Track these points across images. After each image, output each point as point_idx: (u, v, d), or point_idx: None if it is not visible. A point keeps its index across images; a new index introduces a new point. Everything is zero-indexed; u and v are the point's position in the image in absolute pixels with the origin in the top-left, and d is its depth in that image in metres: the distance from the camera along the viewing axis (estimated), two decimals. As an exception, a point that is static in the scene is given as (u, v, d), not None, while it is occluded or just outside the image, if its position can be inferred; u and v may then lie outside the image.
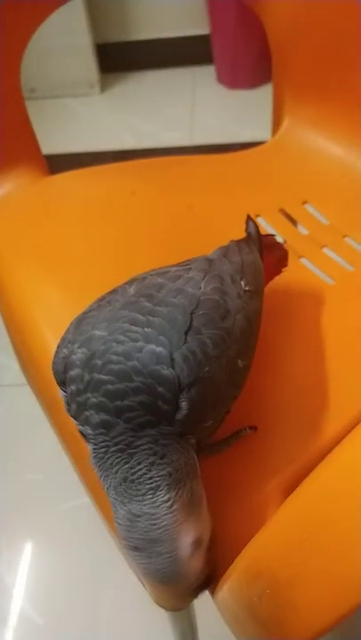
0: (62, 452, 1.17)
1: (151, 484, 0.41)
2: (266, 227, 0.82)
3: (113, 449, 0.42)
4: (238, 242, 0.59)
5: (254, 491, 0.50)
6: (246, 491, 0.50)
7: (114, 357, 0.42)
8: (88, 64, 2.11)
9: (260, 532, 0.37)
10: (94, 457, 0.43)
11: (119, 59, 2.23)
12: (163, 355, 0.42)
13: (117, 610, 0.99)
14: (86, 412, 0.42)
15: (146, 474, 0.41)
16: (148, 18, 2.15)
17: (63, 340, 0.47)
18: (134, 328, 0.43)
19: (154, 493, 0.41)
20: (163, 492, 0.41)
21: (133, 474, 0.41)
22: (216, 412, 0.47)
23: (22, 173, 0.85)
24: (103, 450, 0.42)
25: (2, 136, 0.81)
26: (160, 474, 0.41)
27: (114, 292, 0.50)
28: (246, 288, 0.51)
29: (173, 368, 0.42)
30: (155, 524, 0.41)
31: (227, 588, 0.39)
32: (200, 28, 2.13)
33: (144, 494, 0.41)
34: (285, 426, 0.54)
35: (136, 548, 0.42)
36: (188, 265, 0.52)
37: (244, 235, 0.80)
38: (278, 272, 0.67)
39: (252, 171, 0.91)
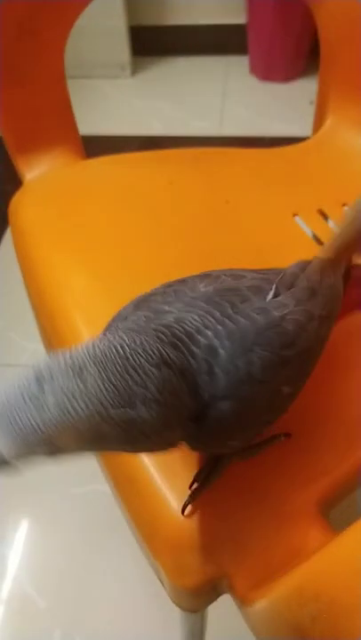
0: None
1: None
2: (303, 226, 0.81)
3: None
4: (323, 261, 0.55)
5: (287, 499, 0.50)
6: (279, 498, 0.50)
7: (175, 325, 0.41)
8: (121, 46, 2.08)
9: (321, 552, 0.36)
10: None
11: (152, 42, 2.19)
12: (219, 354, 0.41)
13: (117, 596, 1.00)
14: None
15: None
16: (185, 3, 2.12)
17: (119, 314, 0.46)
18: (208, 318, 0.43)
19: None
20: None
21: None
22: (245, 435, 0.46)
23: (59, 155, 0.84)
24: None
25: (43, 116, 0.80)
26: None
27: (182, 282, 0.49)
28: (320, 312, 0.49)
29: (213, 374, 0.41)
30: None
31: (269, 602, 0.38)
32: (236, 17, 2.09)
33: None
34: (321, 436, 0.53)
35: None
36: (266, 275, 0.51)
37: (280, 233, 0.79)
38: (359, 308, 0.65)
39: (292, 168, 0.89)
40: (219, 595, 0.52)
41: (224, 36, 2.17)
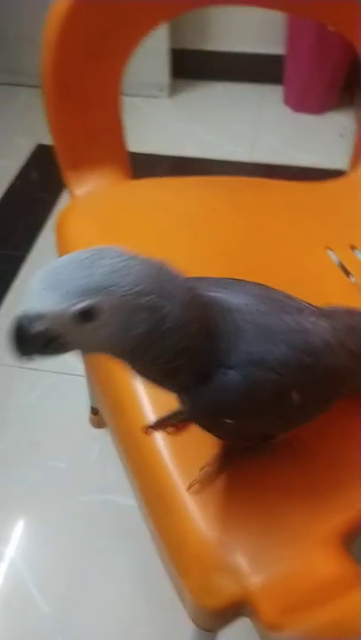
0: (90, 446, 1.19)
1: None
2: (336, 260, 0.83)
3: None
4: None
5: (312, 529, 0.51)
6: (305, 527, 0.51)
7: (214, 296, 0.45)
8: (161, 67, 2.13)
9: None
10: None
11: (192, 66, 2.25)
12: (243, 332, 0.44)
13: (121, 605, 1.00)
14: None
15: None
16: (227, 30, 2.17)
17: None
18: (246, 308, 0.46)
19: None
20: None
21: None
22: (241, 420, 0.47)
23: (108, 174, 0.87)
24: None
25: (97, 135, 0.83)
26: None
27: (236, 279, 0.52)
28: (353, 347, 0.52)
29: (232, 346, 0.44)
30: None
31: (305, 631, 0.40)
32: (275, 47, 2.14)
33: None
34: (349, 470, 0.55)
35: None
36: (309, 304, 0.54)
37: (313, 265, 0.81)
38: None
39: (328, 203, 0.91)
40: (237, 617, 0.54)
41: (262, 64, 2.22)
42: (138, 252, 0.40)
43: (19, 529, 1.10)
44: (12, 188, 1.86)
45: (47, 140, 1.97)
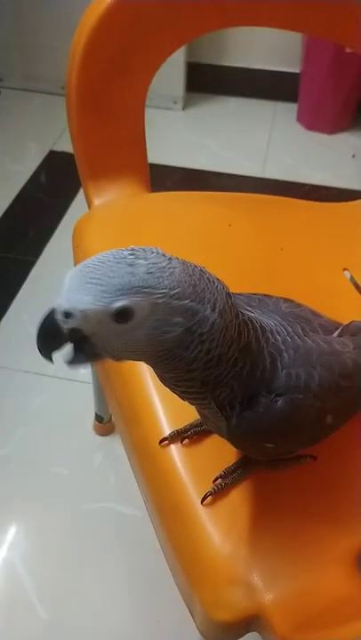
0: (93, 453, 1.20)
1: None
2: (351, 281, 0.84)
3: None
4: None
5: (329, 547, 0.52)
6: (322, 545, 0.52)
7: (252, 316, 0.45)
8: (177, 80, 2.15)
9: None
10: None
11: (207, 80, 2.27)
12: (283, 355, 0.45)
13: (121, 614, 1.00)
14: None
15: None
16: (243, 46, 2.20)
17: None
18: (281, 328, 0.47)
19: None
20: None
21: None
22: (282, 442, 0.48)
23: (128, 185, 0.87)
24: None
25: (119, 147, 0.84)
26: None
27: (267, 296, 0.53)
28: None
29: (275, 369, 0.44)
30: None
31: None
32: (291, 65, 2.16)
33: None
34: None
35: None
36: (333, 321, 0.56)
37: (329, 284, 0.82)
38: None
39: (346, 224, 0.93)
40: (248, 631, 0.54)
41: (276, 82, 2.24)
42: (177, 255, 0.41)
43: (19, 534, 1.10)
44: (23, 193, 1.87)
45: (60, 146, 2.01)
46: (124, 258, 0.37)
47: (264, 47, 2.18)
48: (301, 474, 0.56)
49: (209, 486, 0.55)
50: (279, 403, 0.44)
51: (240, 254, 0.81)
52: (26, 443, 1.23)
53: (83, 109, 0.79)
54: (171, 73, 2.13)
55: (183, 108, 2.24)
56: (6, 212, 1.79)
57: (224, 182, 1.92)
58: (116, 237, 0.83)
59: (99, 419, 1.21)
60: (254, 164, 2.02)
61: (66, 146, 2.05)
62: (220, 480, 0.55)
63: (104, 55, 0.77)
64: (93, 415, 1.21)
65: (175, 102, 2.21)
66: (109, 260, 0.37)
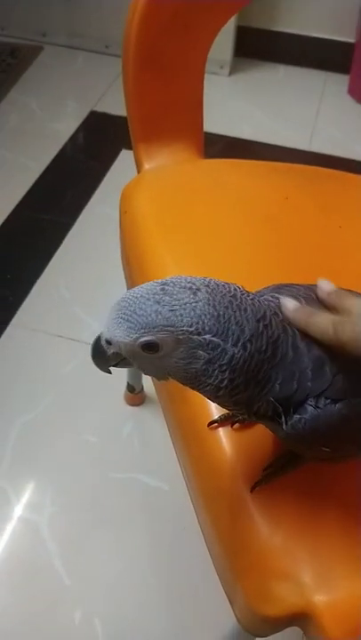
0: (123, 422, 1.18)
1: None
2: None
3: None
4: None
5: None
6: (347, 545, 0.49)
7: None
8: (225, 44, 2.07)
9: None
10: None
11: (256, 45, 2.18)
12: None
13: (144, 586, 1.00)
14: None
15: None
16: (297, 12, 2.10)
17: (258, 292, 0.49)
18: None
19: None
20: None
21: None
22: (339, 446, 0.47)
23: (181, 150, 0.83)
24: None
25: (175, 109, 0.80)
26: None
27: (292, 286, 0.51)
28: None
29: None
30: None
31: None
32: (345, 35, 2.07)
33: None
34: None
35: None
36: None
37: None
38: None
39: None
40: (289, 626, 0.52)
41: (329, 51, 2.14)
42: (211, 277, 0.43)
43: (46, 498, 1.10)
44: (62, 154, 1.83)
45: (101, 107, 1.95)
46: (155, 294, 0.40)
47: (318, 14, 2.09)
48: (358, 470, 0.53)
49: (257, 474, 0.53)
50: (335, 408, 0.43)
51: (296, 230, 0.77)
52: (56, 407, 1.22)
53: (141, 65, 0.74)
54: (219, 36, 2.03)
55: (230, 74, 2.16)
56: (44, 172, 1.76)
57: (268, 153, 1.85)
58: (167, 204, 0.79)
59: (130, 388, 1.19)
60: (301, 136, 1.94)
61: (107, 107, 2.00)
62: (270, 469, 0.53)
63: (167, 6, 0.72)
64: (125, 384, 1.19)
65: (222, 67, 2.13)
66: (142, 296, 0.41)
